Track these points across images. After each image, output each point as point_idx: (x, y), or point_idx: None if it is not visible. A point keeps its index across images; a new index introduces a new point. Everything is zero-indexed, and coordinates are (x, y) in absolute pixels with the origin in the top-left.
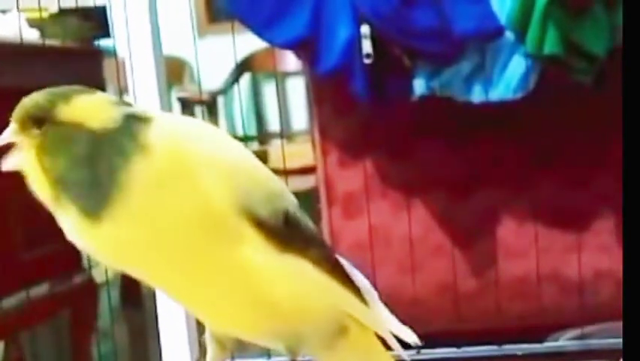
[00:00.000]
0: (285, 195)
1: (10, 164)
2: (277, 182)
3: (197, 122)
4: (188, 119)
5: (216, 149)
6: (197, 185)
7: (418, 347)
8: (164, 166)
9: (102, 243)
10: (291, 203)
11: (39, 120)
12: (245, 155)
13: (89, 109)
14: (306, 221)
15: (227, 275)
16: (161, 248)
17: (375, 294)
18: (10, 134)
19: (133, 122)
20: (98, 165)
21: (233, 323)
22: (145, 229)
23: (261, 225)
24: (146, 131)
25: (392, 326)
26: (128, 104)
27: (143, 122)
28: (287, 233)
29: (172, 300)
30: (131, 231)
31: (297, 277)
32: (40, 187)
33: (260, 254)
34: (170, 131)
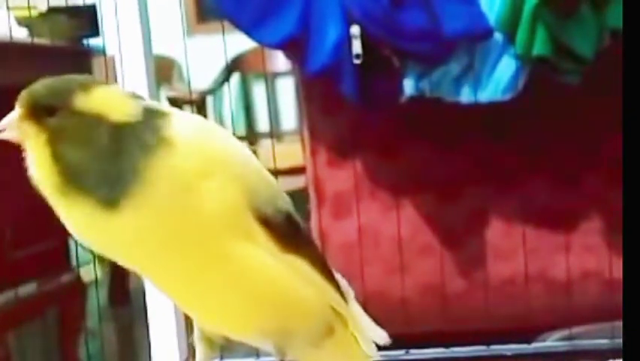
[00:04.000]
0: (284, 195)
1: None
2: (276, 183)
3: (207, 121)
4: (197, 117)
5: (230, 147)
6: (216, 182)
7: (406, 347)
8: (186, 161)
9: (117, 234)
10: (289, 203)
11: (52, 108)
12: (251, 155)
13: (109, 101)
14: (301, 221)
15: (233, 272)
16: (176, 242)
17: (352, 293)
18: (15, 119)
19: (153, 116)
20: (120, 156)
21: (230, 321)
22: (164, 222)
23: (266, 224)
24: (167, 125)
25: (366, 325)
26: (143, 98)
27: (162, 116)
28: (288, 232)
29: (170, 297)
30: (150, 222)
31: (296, 276)
32: (46, 176)
33: (265, 252)
34: (190, 128)
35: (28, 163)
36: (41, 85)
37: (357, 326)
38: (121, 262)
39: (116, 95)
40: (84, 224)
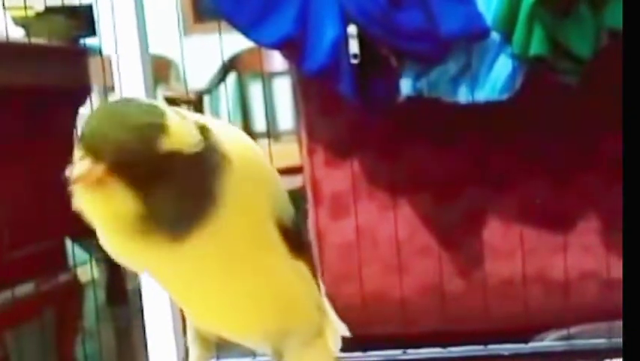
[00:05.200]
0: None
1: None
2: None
3: (225, 122)
4: (217, 120)
5: (258, 151)
6: (262, 193)
7: (404, 347)
8: (241, 174)
9: (181, 265)
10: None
11: (139, 158)
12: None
13: (182, 135)
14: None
15: (258, 281)
16: (231, 257)
17: (323, 288)
18: (96, 173)
19: (206, 133)
20: (197, 185)
21: (237, 325)
22: (226, 244)
23: (282, 229)
24: (217, 139)
25: (334, 319)
26: (185, 113)
27: (208, 131)
28: (297, 239)
29: (177, 301)
30: (214, 247)
31: (299, 279)
32: (123, 224)
33: (282, 258)
34: (231, 137)
35: (94, 210)
36: (123, 138)
37: (329, 321)
38: (172, 291)
39: (184, 126)
40: (151, 262)
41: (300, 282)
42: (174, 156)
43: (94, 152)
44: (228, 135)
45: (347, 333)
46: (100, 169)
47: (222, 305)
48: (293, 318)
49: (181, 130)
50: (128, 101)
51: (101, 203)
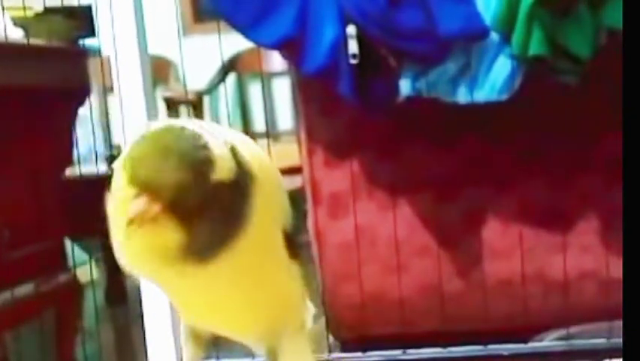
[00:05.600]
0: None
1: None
2: None
3: (237, 133)
4: (232, 131)
5: (272, 165)
6: (276, 205)
7: (404, 347)
8: (264, 190)
9: (196, 281)
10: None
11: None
12: None
13: (226, 165)
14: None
15: (260, 281)
16: (244, 271)
17: (319, 285)
18: (157, 212)
19: (237, 155)
20: (231, 210)
21: (234, 325)
22: (247, 257)
23: (285, 234)
24: (245, 159)
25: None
26: (213, 130)
27: (237, 151)
28: (294, 240)
29: (177, 305)
30: (236, 264)
31: (295, 279)
32: (166, 251)
33: (283, 261)
34: (250, 151)
35: (135, 242)
36: (180, 174)
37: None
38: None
39: (227, 156)
40: (175, 280)
41: (293, 282)
42: (219, 187)
43: (151, 191)
44: (247, 149)
45: (312, 310)
46: (157, 208)
47: (222, 308)
48: (287, 317)
49: (224, 160)
50: (170, 131)
51: (149, 238)
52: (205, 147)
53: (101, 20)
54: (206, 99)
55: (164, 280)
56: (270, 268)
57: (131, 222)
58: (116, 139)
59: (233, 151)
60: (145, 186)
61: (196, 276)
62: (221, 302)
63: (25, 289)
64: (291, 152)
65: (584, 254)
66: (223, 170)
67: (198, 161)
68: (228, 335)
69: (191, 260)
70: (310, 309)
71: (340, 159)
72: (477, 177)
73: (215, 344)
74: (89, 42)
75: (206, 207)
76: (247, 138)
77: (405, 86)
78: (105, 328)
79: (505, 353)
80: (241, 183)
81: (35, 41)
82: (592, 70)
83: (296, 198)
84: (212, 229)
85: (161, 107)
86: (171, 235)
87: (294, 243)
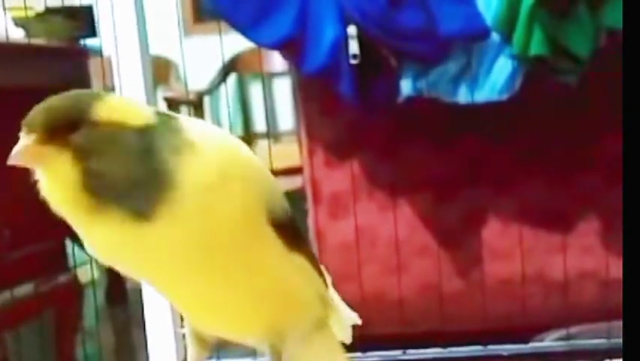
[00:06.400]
0: (283, 195)
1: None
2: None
3: (208, 124)
4: (201, 120)
5: (245, 149)
6: (238, 184)
7: (404, 347)
8: (212, 163)
9: (149, 246)
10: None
11: (73, 124)
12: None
13: (124, 107)
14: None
15: (248, 275)
16: (203, 250)
17: (329, 278)
18: (31, 145)
19: (168, 119)
20: (150, 161)
21: (234, 322)
22: (196, 227)
23: (276, 225)
24: (185, 127)
25: (343, 309)
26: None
27: (175, 119)
28: (292, 232)
29: (172, 301)
30: (183, 229)
31: (298, 273)
32: (72, 196)
33: (276, 253)
34: (205, 130)
35: (44, 186)
36: (54, 104)
37: (336, 312)
38: (145, 278)
39: (129, 102)
40: (115, 241)
41: (298, 275)
42: (123, 128)
43: (27, 125)
44: (208, 133)
45: (358, 321)
46: (31, 139)
47: (217, 304)
48: (291, 312)
49: (122, 103)
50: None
51: (47, 178)
52: (101, 93)
53: (101, 20)
54: (206, 99)
55: (118, 245)
56: (256, 257)
57: (12, 160)
58: None
59: (165, 116)
60: (25, 123)
61: (144, 238)
62: (199, 288)
63: (25, 290)
64: (291, 152)
65: (584, 254)
66: (116, 111)
67: (78, 94)
68: (223, 332)
69: (119, 212)
70: (344, 313)
71: (341, 159)
72: (477, 177)
73: (216, 344)
74: (89, 42)
75: (104, 148)
76: (226, 134)
77: (405, 86)
78: (105, 328)
79: (505, 353)
80: (164, 142)
81: (36, 41)
82: (593, 70)
83: (296, 198)
84: (121, 175)
85: (162, 107)
86: (65, 171)
87: (294, 235)
